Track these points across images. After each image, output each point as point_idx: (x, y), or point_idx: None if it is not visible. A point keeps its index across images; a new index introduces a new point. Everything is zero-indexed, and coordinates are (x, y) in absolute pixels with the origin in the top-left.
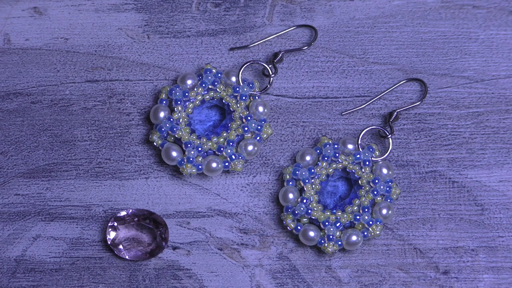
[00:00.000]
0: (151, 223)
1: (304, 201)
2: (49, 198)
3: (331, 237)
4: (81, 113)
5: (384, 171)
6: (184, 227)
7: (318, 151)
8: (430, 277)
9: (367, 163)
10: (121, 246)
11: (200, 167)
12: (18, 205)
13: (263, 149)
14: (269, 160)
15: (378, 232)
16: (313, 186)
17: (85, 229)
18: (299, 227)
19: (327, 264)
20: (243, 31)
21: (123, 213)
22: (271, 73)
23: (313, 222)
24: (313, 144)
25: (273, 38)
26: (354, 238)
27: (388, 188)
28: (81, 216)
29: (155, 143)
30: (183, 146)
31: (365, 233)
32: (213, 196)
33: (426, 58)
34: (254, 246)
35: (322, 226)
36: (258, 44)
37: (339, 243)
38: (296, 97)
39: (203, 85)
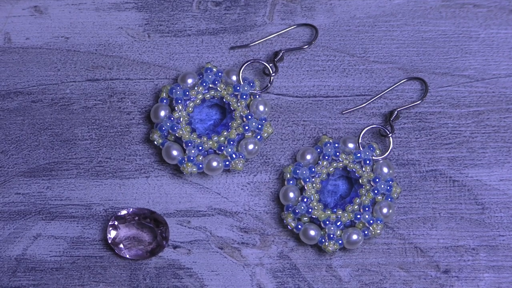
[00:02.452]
0: (151, 222)
1: (305, 200)
2: (49, 197)
3: (331, 236)
4: (82, 112)
5: (385, 170)
6: (185, 226)
7: (318, 150)
8: (431, 276)
9: (368, 162)
10: (121, 245)
11: (200, 166)
12: (18, 204)
13: (263, 148)
14: (269, 159)
15: (378, 231)
16: (314, 185)
17: (86, 228)
18: (299, 226)
19: (328, 263)
20: (244, 30)
21: (123, 212)
22: (271, 72)
23: (314, 221)
24: (313, 143)
25: (273, 37)
26: (354, 237)
27: (388, 187)
28: (82, 215)
29: (155, 142)
30: (184, 145)
31: (366, 232)
32: (214, 195)
33: (426, 57)
34: (255, 245)
35: (322, 225)
36: (258, 43)
37: (340, 242)
38: (296, 96)
39: (204, 84)
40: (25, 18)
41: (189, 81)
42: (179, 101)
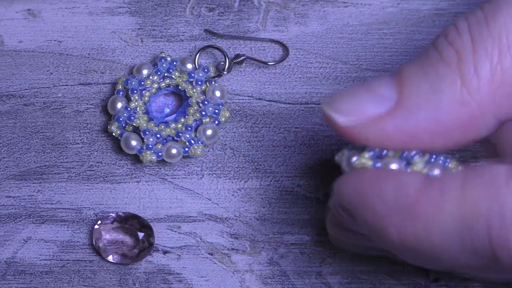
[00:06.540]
0: (136, 226)
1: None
2: (40, 200)
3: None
4: (74, 116)
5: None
6: (175, 231)
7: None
8: (421, 284)
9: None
10: (107, 250)
11: (160, 154)
12: (9, 207)
13: (255, 155)
14: (261, 165)
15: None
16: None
17: (76, 232)
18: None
19: (317, 270)
20: (237, 36)
21: (109, 216)
22: (223, 70)
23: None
24: (305, 149)
25: (246, 40)
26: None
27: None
28: (72, 219)
29: (114, 134)
30: (142, 134)
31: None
32: (205, 200)
33: None
34: (245, 251)
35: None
36: (233, 40)
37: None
38: (288, 103)
39: (159, 73)
40: (18, 21)
41: (145, 72)
42: (135, 91)
